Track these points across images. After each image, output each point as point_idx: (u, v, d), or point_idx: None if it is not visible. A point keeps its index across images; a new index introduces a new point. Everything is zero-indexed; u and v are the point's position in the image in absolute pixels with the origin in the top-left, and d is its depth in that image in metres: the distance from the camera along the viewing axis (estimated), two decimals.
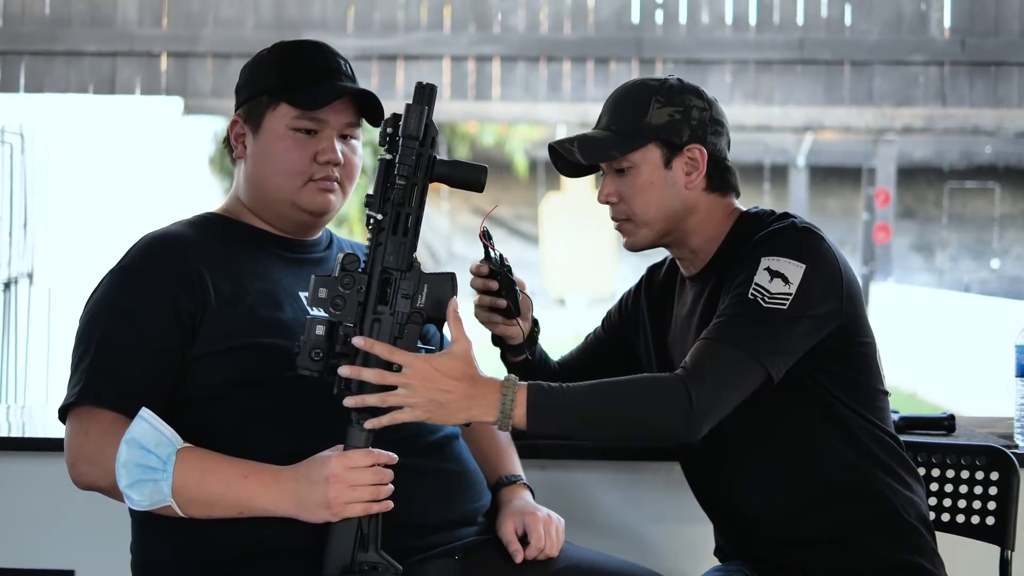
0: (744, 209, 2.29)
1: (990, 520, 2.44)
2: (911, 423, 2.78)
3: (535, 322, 2.37)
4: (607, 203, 2.27)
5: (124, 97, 9.27)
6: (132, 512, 2.07)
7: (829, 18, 9.55)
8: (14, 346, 8.20)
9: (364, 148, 2.22)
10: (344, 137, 2.18)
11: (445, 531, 2.09)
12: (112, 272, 2.11)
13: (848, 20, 9.56)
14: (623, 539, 2.71)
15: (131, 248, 2.14)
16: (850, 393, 2.20)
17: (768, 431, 2.17)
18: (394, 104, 2.09)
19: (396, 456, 1.96)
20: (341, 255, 1.97)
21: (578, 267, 16.62)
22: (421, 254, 2.00)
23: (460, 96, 9.52)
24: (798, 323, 2.10)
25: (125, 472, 1.92)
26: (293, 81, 2.15)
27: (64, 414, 2.05)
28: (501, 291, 2.25)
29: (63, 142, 8.97)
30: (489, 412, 1.97)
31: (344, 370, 1.92)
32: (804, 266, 2.11)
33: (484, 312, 2.29)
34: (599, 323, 2.53)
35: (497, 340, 2.36)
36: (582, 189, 14.83)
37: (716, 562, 2.41)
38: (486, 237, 2.23)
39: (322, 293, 1.95)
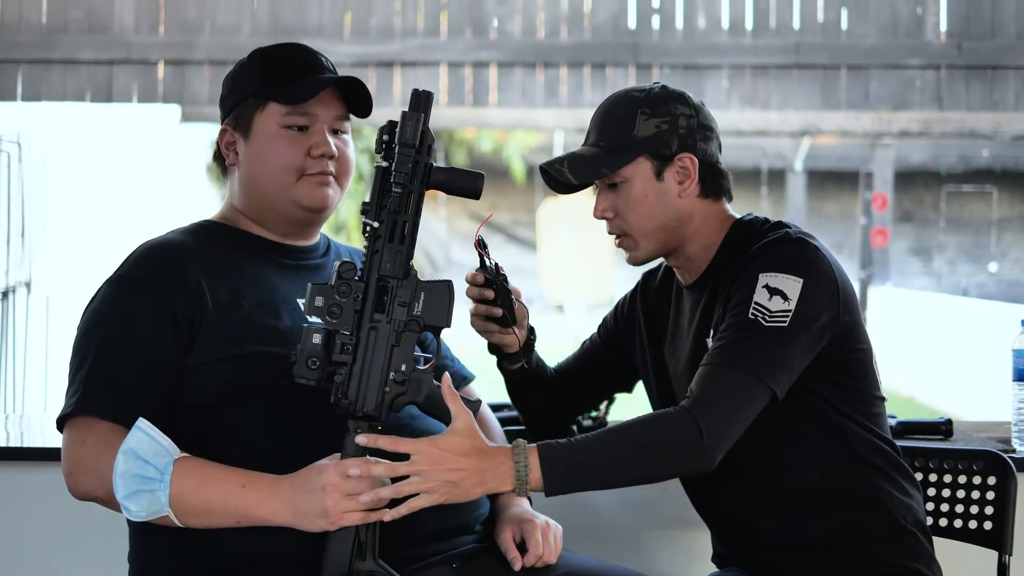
0: (738, 216, 2.29)
1: (988, 525, 2.43)
2: (908, 428, 2.78)
3: (531, 330, 2.37)
4: (603, 219, 2.28)
5: (121, 105, 9.25)
6: (130, 521, 2.06)
7: (825, 22, 9.55)
8: (12, 355, 8.18)
9: (361, 155, 2.22)
10: (335, 132, 2.18)
11: (443, 539, 2.08)
12: (110, 281, 2.11)
13: (844, 24, 9.56)
14: (621, 546, 2.71)
15: (129, 256, 2.13)
16: (847, 400, 2.20)
17: (764, 438, 2.17)
18: (391, 111, 2.10)
19: (394, 465, 1.95)
20: (338, 263, 1.97)
21: (576, 273, 16.63)
22: (419, 260, 2.00)
23: (457, 102, 9.51)
24: (799, 338, 2.10)
25: (122, 483, 1.92)
26: (278, 79, 2.14)
27: (62, 424, 2.05)
28: (497, 300, 2.26)
29: (60, 150, 8.95)
30: (505, 482, 1.98)
31: (353, 462, 1.92)
32: (802, 280, 2.11)
33: (480, 321, 2.29)
34: (595, 330, 2.53)
35: (494, 348, 2.36)
36: (580, 195, 14.81)
37: (714, 568, 2.40)
38: (481, 246, 2.23)
39: (318, 301, 1.94)
